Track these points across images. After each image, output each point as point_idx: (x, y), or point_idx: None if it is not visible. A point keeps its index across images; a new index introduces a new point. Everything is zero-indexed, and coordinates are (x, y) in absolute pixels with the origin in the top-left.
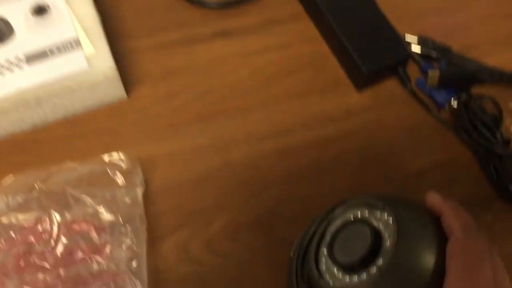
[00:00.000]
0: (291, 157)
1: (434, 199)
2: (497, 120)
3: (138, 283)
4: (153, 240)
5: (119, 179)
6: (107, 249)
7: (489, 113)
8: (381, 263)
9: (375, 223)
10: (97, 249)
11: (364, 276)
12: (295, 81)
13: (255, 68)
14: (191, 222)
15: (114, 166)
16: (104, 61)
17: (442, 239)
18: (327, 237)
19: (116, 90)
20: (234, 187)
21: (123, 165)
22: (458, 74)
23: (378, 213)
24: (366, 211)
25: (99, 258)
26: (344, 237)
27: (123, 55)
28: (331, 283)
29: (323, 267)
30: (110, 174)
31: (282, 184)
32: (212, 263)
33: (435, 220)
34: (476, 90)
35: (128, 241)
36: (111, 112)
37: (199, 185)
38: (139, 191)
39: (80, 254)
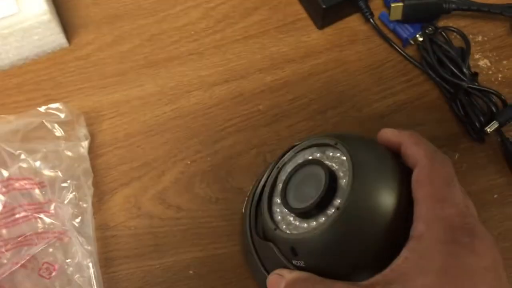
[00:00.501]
0: (247, 103)
1: (388, 133)
2: (464, 54)
3: (83, 240)
4: (101, 195)
5: (58, 132)
6: (51, 207)
7: (456, 46)
8: (339, 203)
9: (328, 163)
10: (40, 207)
11: (322, 219)
12: (250, 22)
13: (206, 9)
14: (142, 175)
15: (52, 117)
16: (37, 3)
17: (403, 170)
18: (279, 185)
19: (55, 36)
20: (187, 137)
21: (63, 116)
22: (423, 4)
23: (330, 152)
24: (318, 152)
25: (42, 216)
26: (297, 182)
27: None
28: (288, 232)
29: (278, 217)
30: (49, 126)
31: (237, 132)
32: (165, 216)
33: (393, 153)
34: (443, 22)
35: (71, 196)
36: (51, 61)
37: (149, 136)
38: (83, 144)
39: (22, 213)
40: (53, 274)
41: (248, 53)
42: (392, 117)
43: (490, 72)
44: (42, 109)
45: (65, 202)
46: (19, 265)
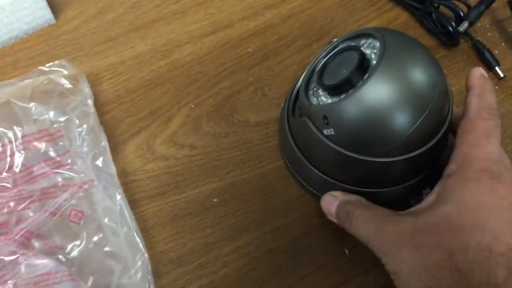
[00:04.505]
0: (237, 48)
1: (476, 71)
2: None
3: (108, 178)
4: (114, 147)
5: (66, 84)
6: (68, 160)
7: None
8: (367, 77)
9: (364, 48)
10: (57, 163)
11: (351, 91)
12: None
13: None
14: (149, 123)
15: (56, 73)
16: None
17: (434, 62)
18: (318, 67)
19: (42, 11)
20: (185, 84)
21: (66, 72)
22: None
23: (369, 40)
24: (353, 42)
25: (61, 170)
26: (333, 66)
27: None
28: (320, 103)
29: (313, 97)
30: (56, 80)
31: (233, 74)
32: (178, 156)
33: (434, 59)
34: None
35: (89, 139)
36: (41, 37)
37: (149, 89)
38: (90, 99)
39: (40, 171)
40: (82, 220)
41: (228, 6)
42: None
43: None
44: (45, 67)
45: (85, 145)
46: (48, 212)
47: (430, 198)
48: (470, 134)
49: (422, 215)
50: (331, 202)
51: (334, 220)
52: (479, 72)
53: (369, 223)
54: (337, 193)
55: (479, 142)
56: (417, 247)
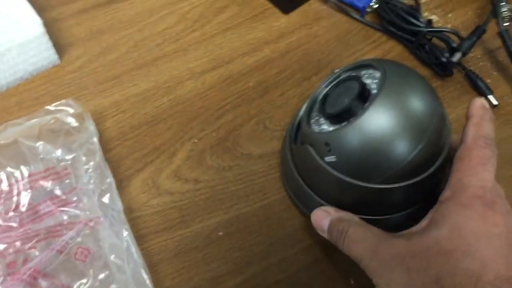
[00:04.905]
0: (237, 83)
1: (477, 101)
2: (416, 8)
3: (115, 214)
4: (119, 183)
5: (73, 123)
6: (74, 197)
7: (407, 4)
8: (367, 105)
9: (365, 78)
10: (63, 201)
11: (351, 120)
12: (223, 18)
13: (181, 14)
14: (154, 159)
15: (62, 112)
16: (31, 17)
17: (431, 90)
18: (320, 97)
19: (48, 52)
20: (189, 119)
21: (72, 111)
22: None
23: (369, 71)
24: (354, 72)
25: (66, 209)
26: (336, 94)
27: (47, 25)
28: (322, 131)
29: (314, 125)
30: (62, 119)
31: (235, 108)
32: (183, 190)
33: (432, 89)
34: None
35: (95, 177)
36: (45, 78)
37: (153, 125)
38: (95, 136)
39: (46, 209)
40: (88, 258)
41: (228, 43)
42: None
43: (440, 24)
44: (51, 107)
45: (91, 182)
46: (54, 251)
47: (424, 222)
48: (466, 161)
49: (414, 238)
50: (323, 217)
51: (325, 235)
52: (479, 102)
53: (362, 243)
54: (329, 209)
55: (474, 170)
56: (407, 269)
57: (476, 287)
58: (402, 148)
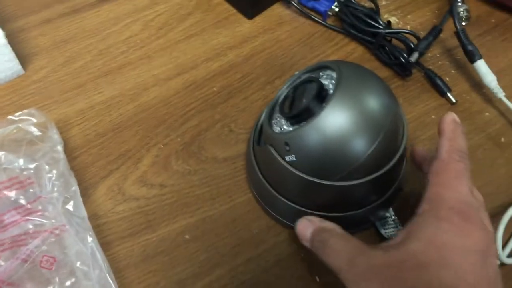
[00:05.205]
0: (202, 88)
1: (448, 116)
2: (375, 11)
3: (80, 221)
4: (84, 190)
5: (35, 132)
6: (39, 206)
7: (367, 7)
8: (323, 105)
9: (323, 79)
10: (27, 210)
11: (309, 120)
12: (187, 25)
13: (146, 21)
14: (119, 165)
15: (26, 122)
16: None
17: (387, 88)
18: (280, 98)
19: (11, 63)
20: (154, 125)
21: (35, 120)
22: None
23: (327, 72)
24: (313, 74)
25: (31, 217)
26: (295, 95)
27: (11, 36)
28: (283, 131)
29: (275, 126)
30: (25, 129)
31: (200, 113)
32: (149, 195)
33: (387, 87)
34: None
35: (59, 184)
36: (9, 88)
37: (119, 132)
38: (59, 145)
39: (11, 219)
40: (54, 266)
41: (192, 49)
42: None
43: (399, 26)
44: (14, 116)
45: (55, 190)
46: (19, 260)
47: (401, 234)
48: (441, 175)
49: (391, 250)
50: (307, 227)
51: (307, 245)
52: (450, 117)
53: (342, 254)
54: (314, 219)
55: (450, 183)
56: (384, 281)
57: None
58: (359, 146)
